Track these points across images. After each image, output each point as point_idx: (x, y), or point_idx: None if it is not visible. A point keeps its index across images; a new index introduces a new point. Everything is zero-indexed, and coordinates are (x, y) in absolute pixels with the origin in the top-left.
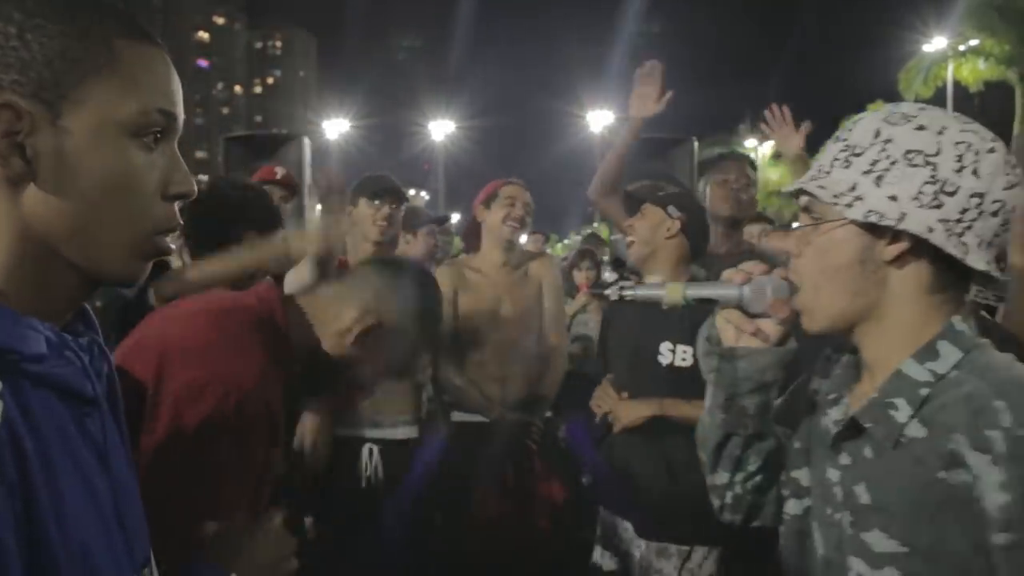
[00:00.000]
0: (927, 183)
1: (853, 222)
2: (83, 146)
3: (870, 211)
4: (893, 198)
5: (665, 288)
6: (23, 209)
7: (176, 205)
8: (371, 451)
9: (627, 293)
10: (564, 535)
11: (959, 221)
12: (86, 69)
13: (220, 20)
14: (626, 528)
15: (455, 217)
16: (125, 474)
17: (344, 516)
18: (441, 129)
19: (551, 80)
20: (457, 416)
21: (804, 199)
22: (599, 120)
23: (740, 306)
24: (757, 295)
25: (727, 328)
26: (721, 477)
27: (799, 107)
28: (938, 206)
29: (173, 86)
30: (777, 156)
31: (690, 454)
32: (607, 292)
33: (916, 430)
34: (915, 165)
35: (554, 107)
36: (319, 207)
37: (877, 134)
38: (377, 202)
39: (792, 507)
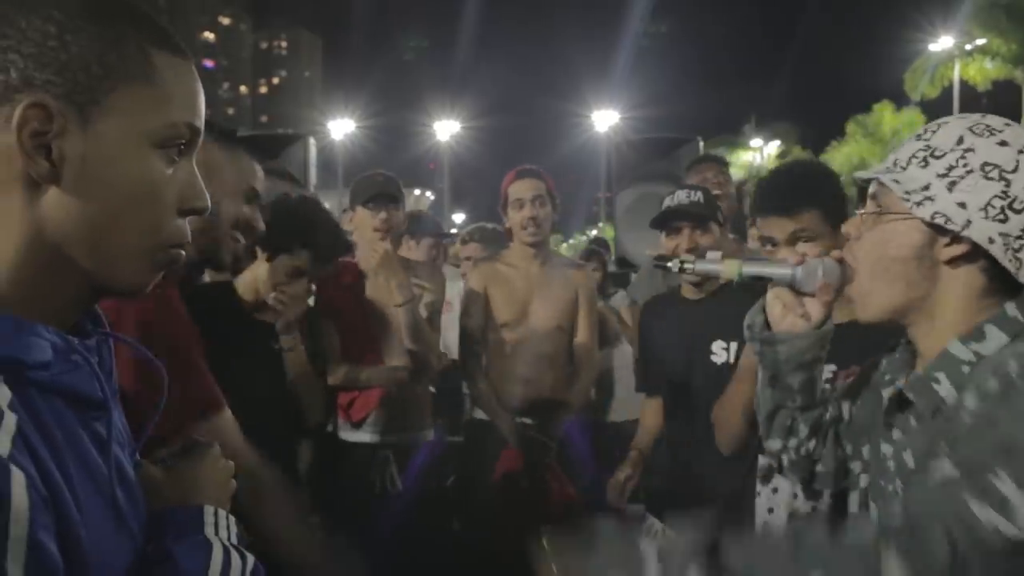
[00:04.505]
0: (997, 197)
1: (919, 219)
2: (110, 153)
3: (937, 213)
4: (962, 205)
5: (723, 264)
6: (40, 211)
7: (187, 221)
8: (387, 457)
9: (688, 266)
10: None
11: (1019, 238)
12: (121, 76)
13: (226, 20)
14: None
15: (460, 218)
16: (128, 471)
17: (355, 520)
18: (446, 129)
19: (557, 80)
20: (479, 414)
21: (874, 187)
22: (604, 120)
23: (791, 285)
24: (809, 276)
25: (775, 305)
26: (775, 444)
27: (805, 107)
28: (1003, 220)
29: (200, 100)
30: (782, 156)
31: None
32: (669, 265)
33: (952, 401)
34: (990, 178)
35: (559, 107)
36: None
37: (960, 141)
38: (372, 206)
39: (863, 480)
